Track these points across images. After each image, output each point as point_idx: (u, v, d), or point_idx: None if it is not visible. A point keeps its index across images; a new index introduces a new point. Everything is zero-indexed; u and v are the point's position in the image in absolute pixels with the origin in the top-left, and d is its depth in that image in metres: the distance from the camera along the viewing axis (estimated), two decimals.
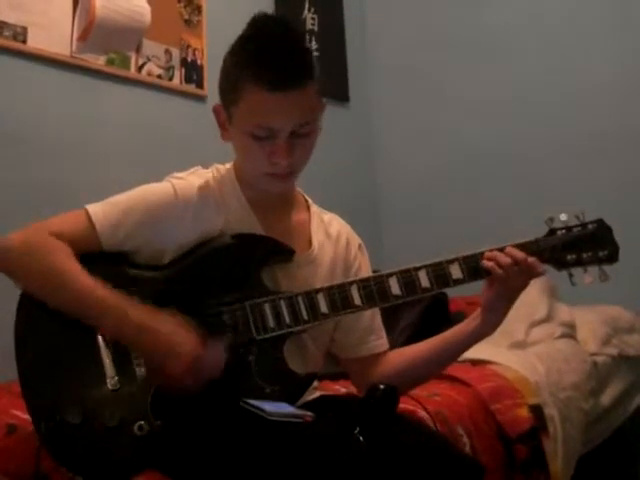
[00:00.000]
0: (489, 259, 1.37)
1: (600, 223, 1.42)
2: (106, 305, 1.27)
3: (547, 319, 2.68)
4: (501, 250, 1.38)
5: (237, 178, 1.44)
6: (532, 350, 2.48)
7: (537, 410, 2.09)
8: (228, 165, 1.47)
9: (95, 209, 1.35)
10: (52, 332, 1.30)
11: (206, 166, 1.48)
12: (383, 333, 1.55)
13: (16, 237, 1.32)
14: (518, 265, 1.36)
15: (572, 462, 2.19)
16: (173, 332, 1.27)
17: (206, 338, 1.29)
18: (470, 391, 1.99)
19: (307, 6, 3.30)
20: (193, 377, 1.26)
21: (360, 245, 1.56)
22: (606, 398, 2.56)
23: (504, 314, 1.43)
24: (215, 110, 1.41)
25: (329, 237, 1.51)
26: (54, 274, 1.28)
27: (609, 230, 1.42)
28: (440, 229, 3.32)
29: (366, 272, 1.52)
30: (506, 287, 1.38)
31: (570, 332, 2.66)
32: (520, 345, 2.53)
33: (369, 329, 1.52)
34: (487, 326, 1.44)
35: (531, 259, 1.36)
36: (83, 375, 1.28)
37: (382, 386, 1.25)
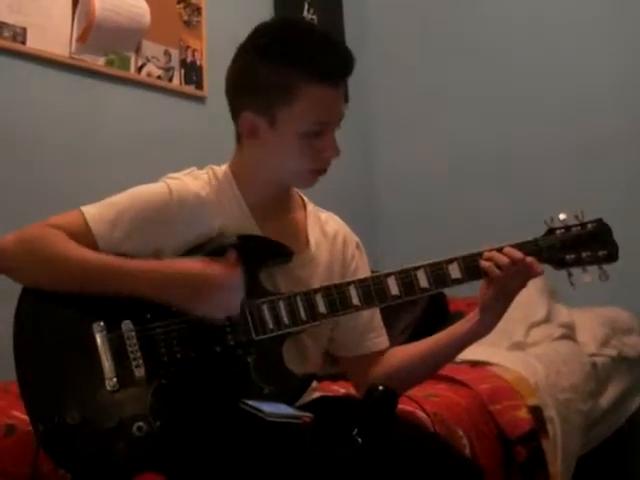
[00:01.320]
0: (487, 259, 1.37)
1: (599, 223, 1.42)
2: (118, 268, 1.28)
3: (546, 320, 2.68)
4: (499, 250, 1.38)
5: (235, 179, 1.44)
6: (531, 351, 2.48)
7: (536, 411, 2.09)
8: (224, 166, 1.47)
9: (90, 210, 1.35)
10: (51, 333, 1.30)
11: (201, 167, 1.47)
12: (383, 331, 1.55)
13: (10, 237, 1.32)
14: (516, 265, 1.35)
15: (571, 463, 2.19)
16: (193, 267, 1.30)
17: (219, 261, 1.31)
18: (469, 392, 1.99)
19: (306, 7, 3.30)
20: (228, 294, 1.29)
21: (358, 244, 1.56)
22: (605, 399, 2.56)
23: (500, 315, 1.42)
24: (245, 119, 1.38)
25: (326, 236, 1.51)
26: (58, 258, 1.28)
27: (608, 230, 1.42)
28: (439, 230, 3.32)
29: (364, 271, 1.52)
30: (503, 287, 1.37)
31: (569, 333, 2.66)
32: (519, 346, 2.53)
33: (369, 327, 1.52)
34: (483, 327, 1.43)
35: (529, 259, 1.36)
36: (82, 376, 1.28)
37: (381, 387, 1.25)
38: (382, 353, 1.53)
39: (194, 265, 1.30)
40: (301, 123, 1.33)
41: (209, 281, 1.29)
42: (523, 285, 1.38)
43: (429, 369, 1.53)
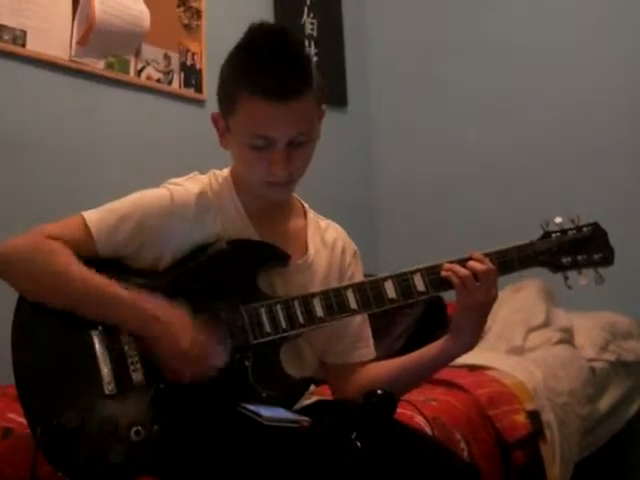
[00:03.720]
0: (447, 270, 1.37)
1: (595, 226, 1.43)
2: (114, 297, 1.27)
3: (545, 325, 2.68)
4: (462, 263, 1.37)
5: (234, 184, 1.44)
6: (530, 356, 2.48)
7: (534, 416, 2.09)
8: (225, 170, 1.47)
9: (91, 215, 1.35)
10: (49, 337, 1.29)
11: (204, 171, 1.47)
12: (371, 342, 1.54)
13: (13, 243, 1.31)
14: (477, 276, 1.35)
15: (569, 468, 2.19)
16: (175, 322, 1.28)
17: (207, 332, 1.30)
18: (468, 397, 1.99)
19: (306, 11, 3.30)
20: (193, 365, 1.27)
21: (355, 252, 1.56)
22: (604, 404, 2.57)
23: (473, 332, 1.40)
24: (214, 118, 1.41)
25: (325, 244, 1.51)
26: (57, 273, 1.27)
27: (604, 233, 1.43)
28: (438, 236, 3.32)
29: (358, 280, 1.51)
30: (470, 300, 1.36)
31: (568, 338, 2.66)
32: (518, 351, 2.53)
33: (357, 337, 1.51)
34: (455, 345, 1.42)
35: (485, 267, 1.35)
36: (80, 380, 1.27)
37: (380, 391, 1.26)
38: (365, 364, 1.52)
39: (173, 323, 1.28)
40: (243, 134, 1.33)
41: (180, 350, 1.26)
42: (489, 294, 1.36)
43: (408, 385, 1.49)
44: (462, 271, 1.35)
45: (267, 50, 1.30)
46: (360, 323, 1.51)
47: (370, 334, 1.55)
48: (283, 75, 1.29)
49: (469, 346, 1.41)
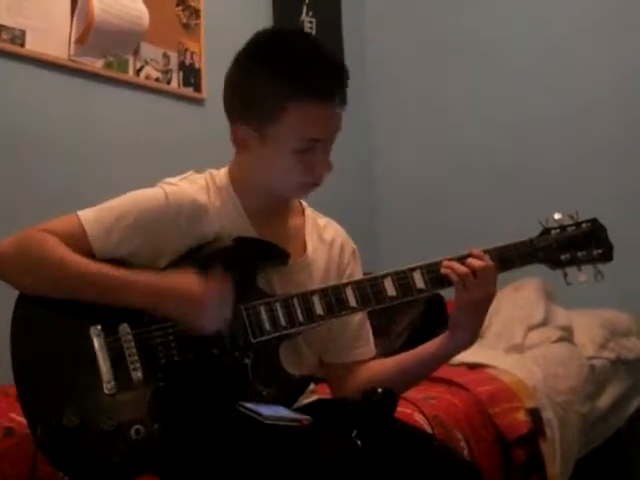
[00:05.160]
0: (446, 267, 1.37)
1: (594, 222, 1.43)
2: (112, 278, 1.27)
3: (544, 323, 2.68)
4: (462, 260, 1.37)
5: (232, 183, 1.43)
6: (529, 354, 2.48)
7: (535, 414, 2.09)
8: (223, 170, 1.46)
9: (87, 214, 1.34)
10: (48, 336, 1.29)
11: (199, 171, 1.46)
12: (370, 341, 1.54)
13: (6, 242, 1.31)
14: (475, 273, 1.35)
15: (570, 465, 2.19)
16: (180, 284, 1.28)
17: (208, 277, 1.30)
18: (468, 395, 1.99)
19: (305, 10, 3.30)
20: (211, 311, 1.27)
21: (354, 251, 1.56)
22: (604, 402, 2.57)
23: (472, 329, 1.40)
24: (235, 133, 1.37)
25: (323, 242, 1.51)
26: (54, 264, 1.27)
27: (603, 229, 1.43)
28: (437, 236, 3.31)
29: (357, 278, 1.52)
30: (469, 297, 1.36)
31: (567, 336, 2.66)
32: (517, 349, 2.53)
33: (357, 336, 1.51)
34: (454, 342, 1.42)
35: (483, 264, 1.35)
36: (79, 379, 1.27)
37: (380, 389, 1.26)
38: (364, 363, 1.52)
39: (182, 281, 1.29)
40: (291, 140, 1.32)
41: (194, 298, 1.27)
42: (487, 291, 1.37)
43: (407, 383, 1.49)
44: (461, 268, 1.35)
45: (307, 54, 1.32)
46: (359, 322, 1.51)
47: (370, 333, 1.54)
48: (327, 76, 1.31)
49: (468, 343, 1.42)
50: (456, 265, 1.36)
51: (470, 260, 1.37)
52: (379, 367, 1.51)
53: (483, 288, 1.36)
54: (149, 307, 1.29)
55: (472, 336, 1.41)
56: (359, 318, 1.50)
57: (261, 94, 1.33)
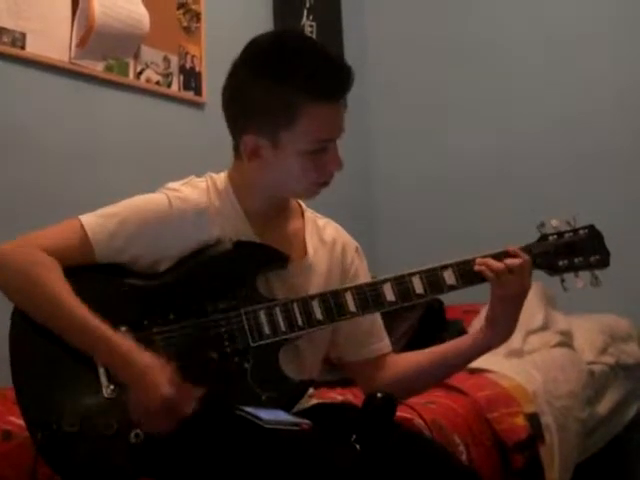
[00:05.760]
0: (480, 264, 1.38)
1: (591, 229, 1.44)
2: (86, 325, 1.25)
3: (544, 327, 2.68)
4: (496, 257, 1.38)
5: (233, 187, 1.43)
6: (529, 358, 2.48)
7: (534, 419, 2.08)
8: (222, 174, 1.46)
9: (89, 220, 1.34)
10: (48, 340, 1.29)
11: (199, 175, 1.46)
12: (384, 335, 1.54)
13: (6, 252, 1.30)
14: (510, 268, 1.36)
15: (569, 471, 2.19)
16: (150, 366, 1.24)
17: (180, 379, 1.25)
18: (467, 399, 1.99)
19: (306, 13, 3.30)
20: (164, 416, 1.22)
21: (357, 248, 1.55)
22: (603, 407, 2.56)
23: (508, 322, 1.42)
24: (246, 143, 1.35)
25: (324, 243, 1.51)
26: (47, 298, 1.26)
27: (600, 236, 1.44)
28: (436, 239, 3.31)
29: (364, 275, 1.52)
30: (505, 292, 1.37)
31: (567, 340, 2.66)
32: (517, 353, 2.52)
33: (370, 332, 1.51)
34: (497, 337, 1.44)
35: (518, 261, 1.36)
36: (79, 383, 1.27)
37: (380, 394, 1.25)
38: (385, 357, 1.52)
39: (154, 373, 1.22)
40: (304, 142, 1.32)
41: (156, 397, 1.21)
42: (523, 285, 1.38)
43: (433, 379, 1.53)
44: (495, 264, 1.36)
45: (313, 56, 1.33)
46: (371, 318, 1.50)
47: (383, 328, 1.55)
48: (337, 76, 1.33)
49: (506, 336, 1.43)
50: (491, 261, 1.37)
51: (507, 260, 1.37)
52: (410, 359, 1.52)
53: (519, 282, 1.37)
54: (115, 370, 1.26)
55: (510, 328, 1.42)
56: (370, 316, 1.49)
57: (270, 99, 1.31)
